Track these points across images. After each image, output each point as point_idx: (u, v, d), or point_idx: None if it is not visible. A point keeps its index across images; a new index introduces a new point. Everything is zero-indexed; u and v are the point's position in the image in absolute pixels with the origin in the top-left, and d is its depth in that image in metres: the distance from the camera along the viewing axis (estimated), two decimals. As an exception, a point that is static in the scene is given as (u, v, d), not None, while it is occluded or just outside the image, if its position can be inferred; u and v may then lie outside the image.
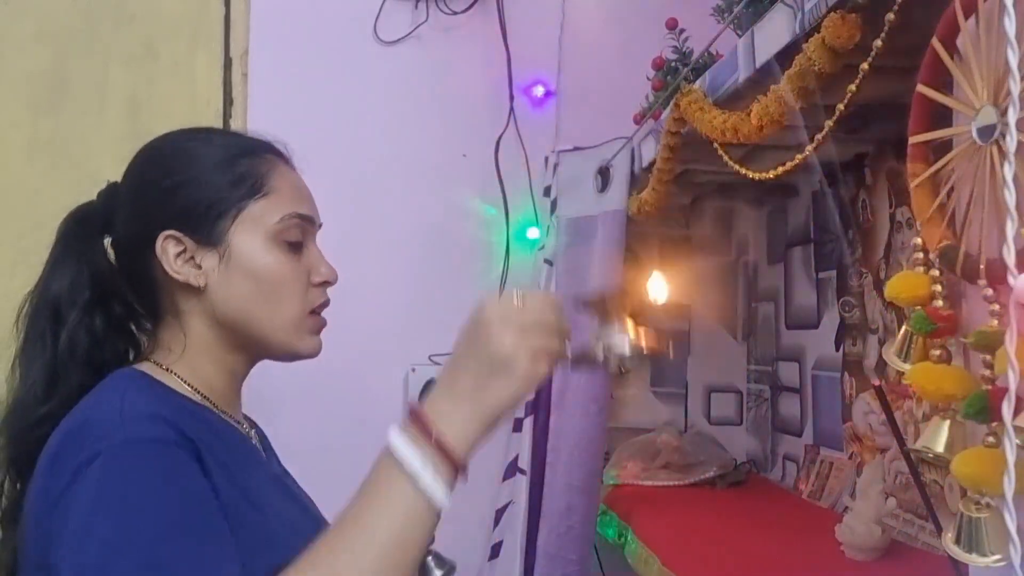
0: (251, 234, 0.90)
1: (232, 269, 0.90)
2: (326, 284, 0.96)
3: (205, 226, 0.90)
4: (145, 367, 0.90)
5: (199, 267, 0.90)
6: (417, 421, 0.74)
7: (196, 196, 0.90)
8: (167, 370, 0.90)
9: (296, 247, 0.93)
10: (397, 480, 0.72)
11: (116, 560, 0.70)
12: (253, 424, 1.01)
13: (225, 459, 0.84)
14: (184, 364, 0.91)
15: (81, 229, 0.94)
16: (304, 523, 0.94)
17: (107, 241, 0.95)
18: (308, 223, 0.95)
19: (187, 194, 0.90)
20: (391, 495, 0.72)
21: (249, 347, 0.94)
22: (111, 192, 0.96)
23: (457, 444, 0.73)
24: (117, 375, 0.88)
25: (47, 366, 0.89)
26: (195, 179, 0.91)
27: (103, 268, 0.94)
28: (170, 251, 0.89)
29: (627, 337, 0.75)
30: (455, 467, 0.73)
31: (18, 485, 0.88)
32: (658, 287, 0.82)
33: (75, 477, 0.74)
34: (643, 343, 0.76)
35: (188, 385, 0.90)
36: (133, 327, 0.97)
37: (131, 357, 0.95)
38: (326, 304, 0.97)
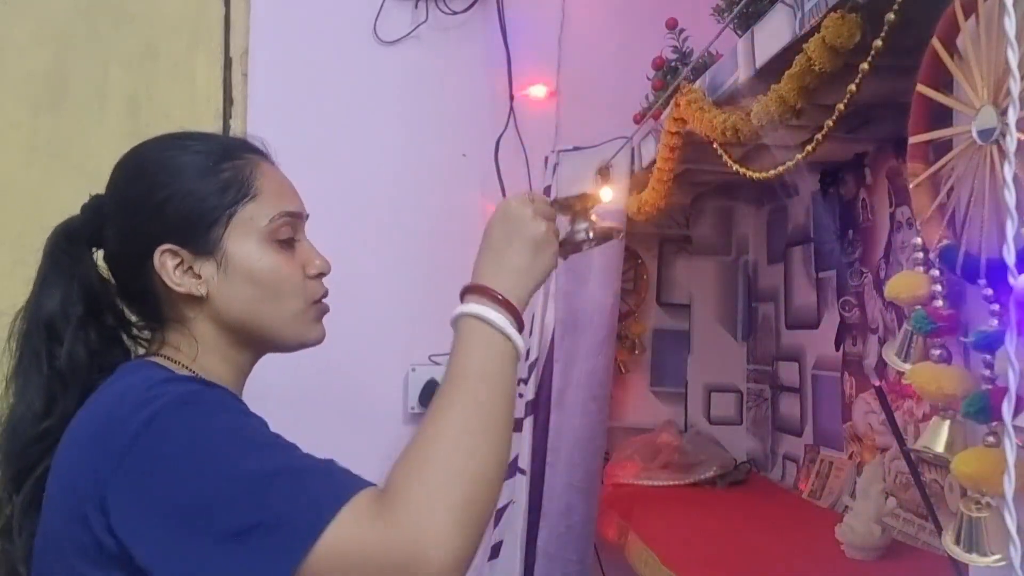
0: (244, 238, 0.92)
1: (231, 275, 0.91)
2: (321, 275, 0.97)
3: (199, 236, 0.90)
4: (156, 359, 0.91)
5: (198, 277, 0.91)
6: (481, 292, 0.89)
7: (186, 207, 0.91)
8: (180, 365, 0.91)
9: (288, 244, 0.95)
10: (482, 333, 0.86)
11: (245, 483, 0.74)
12: None
13: None
14: (196, 365, 0.92)
15: (68, 245, 0.95)
16: None
17: (98, 254, 0.96)
18: (297, 219, 0.97)
19: (177, 207, 0.91)
20: (482, 345, 0.86)
21: (257, 343, 0.96)
22: (96, 206, 0.96)
23: (518, 303, 0.90)
24: (131, 364, 0.91)
25: (44, 385, 0.90)
26: (182, 190, 0.91)
27: (93, 281, 0.95)
28: (168, 265, 0.90)
29: (590, 224, 1.04)
30: (519, 322, 0.89)
31: (15, 501, 0.88)
32: (606, 192, 1.11)
33: (135, 440, 0.76)
34: (601, 226, 1.05)
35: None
36: (125, 336, 0.98)
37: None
38: (325, 294, 0.98)
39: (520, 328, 0.89)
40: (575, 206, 1.05)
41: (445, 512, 0.72)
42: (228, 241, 0.91)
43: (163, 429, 0.76)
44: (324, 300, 0.98)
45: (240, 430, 0.79)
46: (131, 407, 0.78)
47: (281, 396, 1.69)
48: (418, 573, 0.70)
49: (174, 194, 0.91)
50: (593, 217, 1.05)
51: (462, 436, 0.78)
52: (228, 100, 1.89)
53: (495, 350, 0.85)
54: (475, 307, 0.87)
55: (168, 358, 0.91)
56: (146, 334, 0.98)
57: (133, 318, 0.98)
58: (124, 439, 0.76)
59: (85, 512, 0.76)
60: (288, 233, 0.95)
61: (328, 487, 0.75)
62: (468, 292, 0.90)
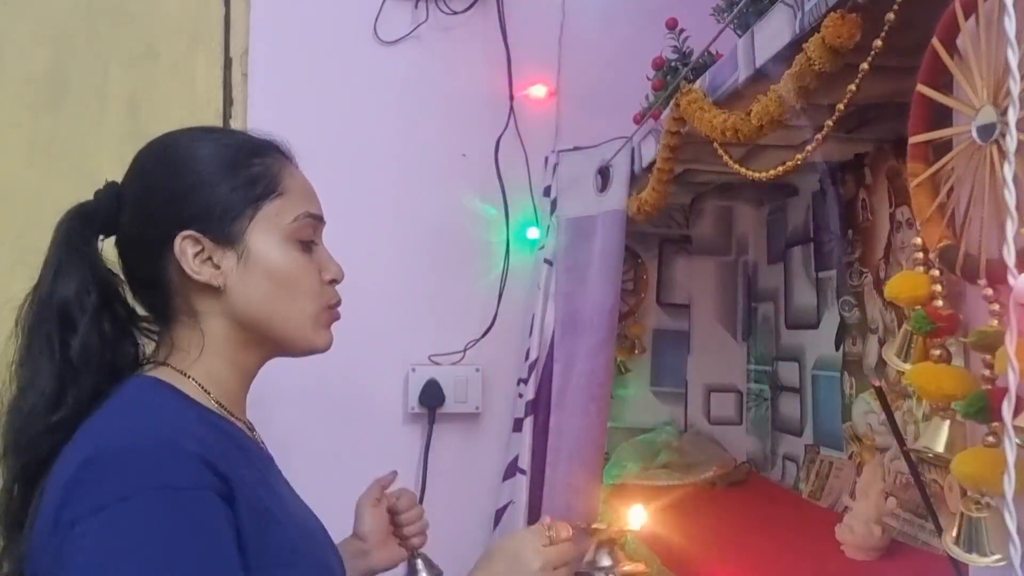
0: (267, 234, 0.91)
1: (250, 269, 0.90)
2: (335, 282, 0.97)
3: (223, 226, 0.90)
4: (163, 374, 0.90)
5: (217, 267, 0.90)
6: None
7: (212, 197, 0.90)
8: (185, 375, 0.90)
9: (308, 246, 0.95)
10: None
11: None
12: (253, 428, 1.01)
13: (249, 477, 0.84)
14: (200, 367, 0.91)
15: (84, 229, 0.92)
16: (316, 532, 0.95)
17: (102, 242, 0.94)
18: (318, 222, 0.97)
19: (203, 195, 0.90)
20: None
21: (265, 345, 0.95)
22: (111, 192, 0.94)
23: None
24: (137, 386, 0.87)
25: (56, 373, 0.86)
26: (210, 180, 0.90)
27: (103, 270, 0.93)
28: (188, 251, 0.89)
29: (611, 564, 1.01)
30: None
31: (26, 493, 0.85)
32: (637, 517, 1.07)
33: (100, 508, 0.73)
34: (623, 571, 1.02)
35: (205, 391, 0.90)
36: (134, 329, 0.97)
37: (137, 359, 0.94)
38: (339, 302, 0.98)
39: None
40: (607, 535, 1.05)
41: None
42: (251, 235, 0.90)
43: (106, 522, 0.73)
44: (337, 307, 0.98)
45: (180, 558, 0.73)
46: (107, 468, 0.76)
47: (282, 396, 1.69)
48: None
49: (202, 182, 0.90)
50: (621, 560, 1.04)
51: None
52: (228, 100, 1.89)
53: None
54: None
55: (175, 369, 0.90)
56: (154, 327, 0.96)
57: (141, 312, 0.96)
58: (81, 508, 0.74)
59: (53, 549, 0.75)
60: (309, 235, 0.94)
61: None
62: None
